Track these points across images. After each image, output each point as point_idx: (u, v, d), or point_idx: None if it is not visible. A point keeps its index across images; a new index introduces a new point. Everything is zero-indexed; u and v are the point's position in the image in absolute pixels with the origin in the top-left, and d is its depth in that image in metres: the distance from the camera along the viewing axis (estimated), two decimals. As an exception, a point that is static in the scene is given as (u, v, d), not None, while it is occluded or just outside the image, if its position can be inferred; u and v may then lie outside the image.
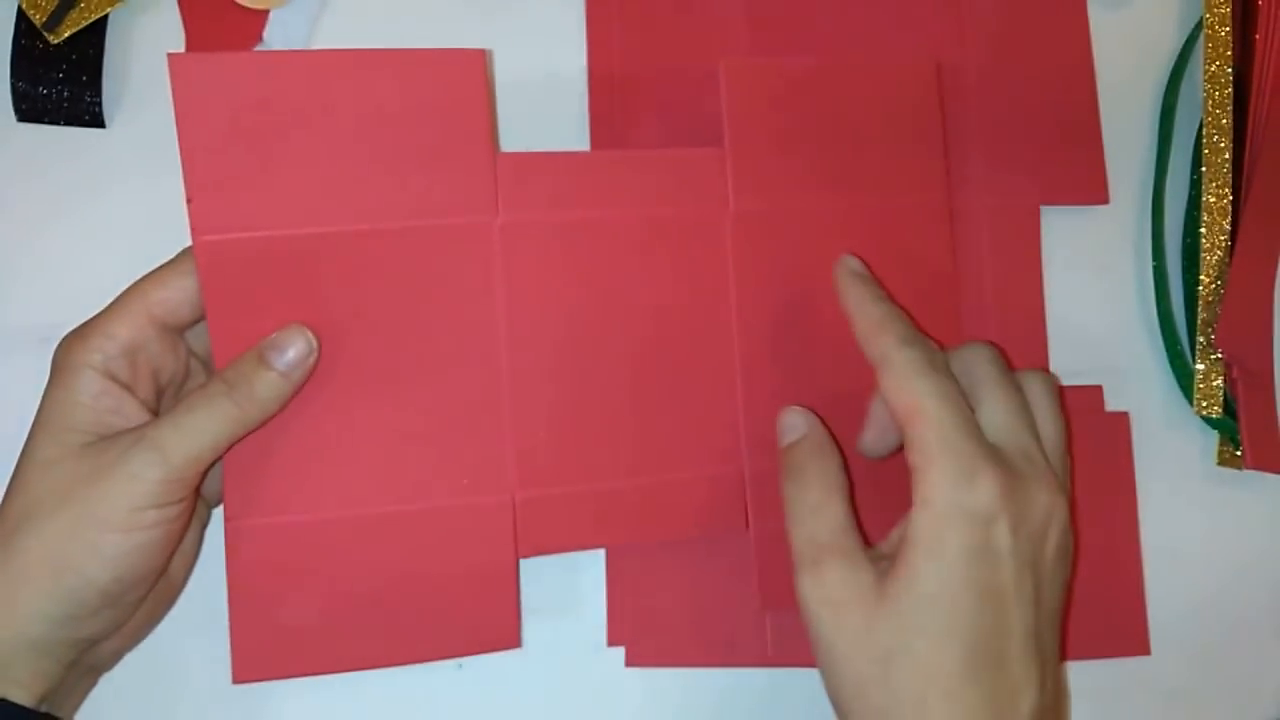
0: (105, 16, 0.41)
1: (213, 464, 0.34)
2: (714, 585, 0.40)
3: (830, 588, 0.33)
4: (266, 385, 0.33)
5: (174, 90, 0.32)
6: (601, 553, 0.41)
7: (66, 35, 0.40)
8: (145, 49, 0.42)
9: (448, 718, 0.40)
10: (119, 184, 0.42)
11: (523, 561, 0.40)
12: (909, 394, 0.33)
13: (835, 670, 0.33)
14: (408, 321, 0.36)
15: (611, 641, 0.40)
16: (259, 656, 0.36)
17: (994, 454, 0.32)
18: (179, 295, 0.34)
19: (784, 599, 0.39)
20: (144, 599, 0.34)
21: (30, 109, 0.41)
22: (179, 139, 0.33)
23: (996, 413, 0.34)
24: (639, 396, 0.38)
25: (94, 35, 0.41)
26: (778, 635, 0.40)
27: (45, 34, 0.40)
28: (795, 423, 0.37)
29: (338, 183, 0.34)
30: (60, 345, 0.34)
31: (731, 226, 0.38)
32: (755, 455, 0.39)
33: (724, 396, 0.39)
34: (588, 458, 0.38)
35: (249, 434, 0.34)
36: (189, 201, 0.33)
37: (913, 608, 0.31)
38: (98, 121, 0.42)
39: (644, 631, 0.40)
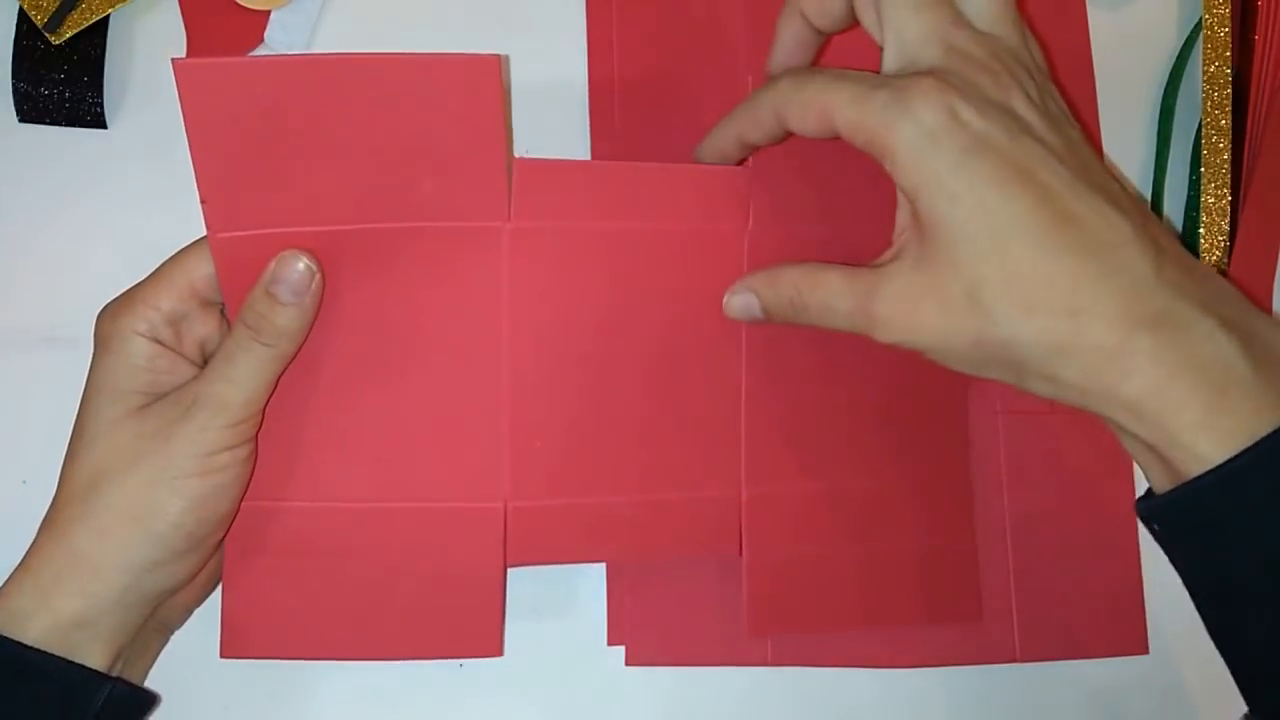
0: (106, 17, 0.41)
1: (268, 400, 0.35)
2: (714, 585, 0.41)
3: (893, 320, 0.32)
4: (285, 317, 0.34)
5: (181, 96, 0.32)
6: (601, 553, 0.41)
7: (68, 36, 0.41)
8: (147, 50, 0.43)
9: (448, 717, 0.40)
10: (120, 185, 0.42)
11: (523, 562, 0.40)
12: (811, 110, 0.32)
13: (957, 358, 0.32)
14: (414, 320, 0.36)
15: (611, 641, 0.40)
16: (247, 635, 0.36)
17: (910, 76, 0.31)
18: None
19: (773, 626, 0.39)
20: (219, 545, 0.36)
21: (31, 110, 0.41)
22: (189, 142, 0.33)
23: (902, 24, 0.33)
24: (640, 413, 0.38)
25: (95, 36, 0.41)
26: (777, 635, 0.41)
27: (46, 35, 0.40)
28: (744, 300, 0.37)
29: (351, 183, 0.34)
30: (103, 315, 0.35)
31: (749, 245, 0.37)
32: (755, 480, 0.39)
33: (727, 418, 0.38)
34: (584, 471, 0.38)
35: (290, 362, 0.35)
36: (203, 202, 0.33)
37: (956, 251, 0.31)
38: (99, 122, 0.42)
39: (644, 631, 0.40)
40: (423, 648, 0.38)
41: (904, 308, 0.32)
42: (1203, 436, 0.29)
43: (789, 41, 0.37)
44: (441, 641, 0.38)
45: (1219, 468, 0.29)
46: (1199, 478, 0.29)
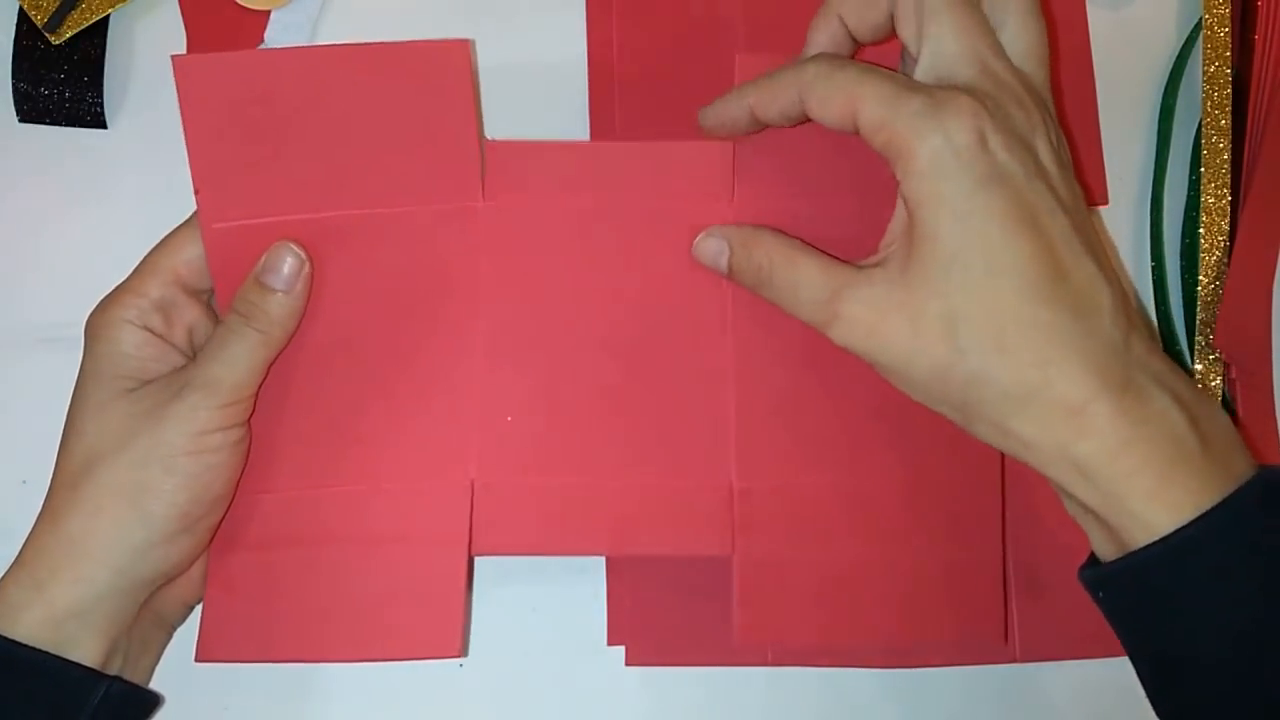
0: (106, 17, 0.41)
1: (259, 385, 0.35)
2: (714, 585, 0.40)
3: (857, 323, 0.32)
4: (276, 305, 0.35)
5: (179, 90, 0.34)
6: (602, 552, 0.41)
7: (68, 36, 0.41)
8: (147, 50, 0.43)
9: (448, 717, 0.40)
10: (120, 185, 0.42)
11: (523, 560, 0.40)
12: (837, 99, 0.32)
13: (913, 382, 0.32)
14: (396, 307, 0.36)
15: (611, 641, 0.40)
16: (223, 639, 0.36)
17: (949, 89, 0.31)
18: (202, 256, 0.36)
19: (764, 633, 0.37)
20: (214, 530, 0.36)
21: (32, 110, 0.41)
22: (185, 135, 0.34)
23: (942, 41, 0.32)
24: (620, 393, 0.37)
25: (95, 36, 0.42)
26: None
27: (46, 35, 0.40)
28: (717, 249, 0.36)
29: (334, 171, 0.35)
30: (93, 312, 0.35)
31: (733, 220, 0.37)
32: (746, 470, 0.37)
33: (715, 402, 0.37)
34: (557, 449, 0.36)
35: (282, 350, 0.35)
36: (197, 193, 0.35)
37: (945, 274, 0.30)
38: (99, 122, 0.42)
39: (644, 631, 0.40)
40: (381, 648, 0.36)
41: (873, 316, 0.32)
42: (1153, 505, 0.30)
43: (823, 47, 0.36)
44: (398, 641, 0.35)
45: (1167, 538, 0.29)
46: (1148, 547, 0.30)
